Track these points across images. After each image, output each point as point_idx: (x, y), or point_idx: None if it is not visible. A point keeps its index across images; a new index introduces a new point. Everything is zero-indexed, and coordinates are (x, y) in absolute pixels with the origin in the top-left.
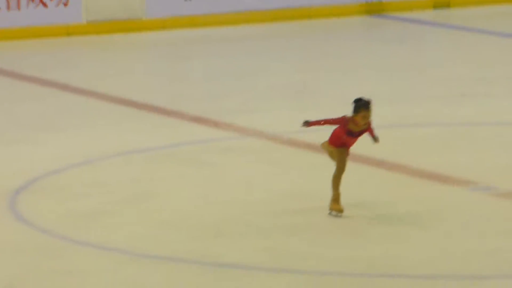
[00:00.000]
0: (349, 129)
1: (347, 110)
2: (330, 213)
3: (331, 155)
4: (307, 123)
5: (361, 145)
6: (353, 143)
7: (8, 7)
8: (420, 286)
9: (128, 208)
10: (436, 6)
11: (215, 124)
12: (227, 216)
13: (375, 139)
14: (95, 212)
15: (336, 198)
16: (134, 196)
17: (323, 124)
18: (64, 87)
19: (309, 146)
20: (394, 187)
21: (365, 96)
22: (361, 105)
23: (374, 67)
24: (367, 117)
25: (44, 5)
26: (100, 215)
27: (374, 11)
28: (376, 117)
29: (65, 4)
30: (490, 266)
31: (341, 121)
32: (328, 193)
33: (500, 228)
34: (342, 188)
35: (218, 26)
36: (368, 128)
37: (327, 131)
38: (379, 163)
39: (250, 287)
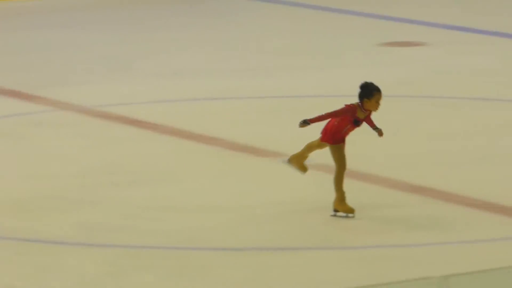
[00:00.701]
0: (357, 117)
1: (166, 83)
2: (335, 215)
3: (301, 168)
4: (307, 122)
5: (176, 118)
6: (347, 134)
7: None
8: (234, 259)
9: None
10: None
11: (28, 98)
12: (39, 191)
13: (377, 130)
14: None
15: (342, 198)
16: None
17: (327, 117)
18: None
19: (121, 119)
20: (207, 160)
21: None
22: (374, 89)
23: (193, 40)
24: (379, 101)
25: None
26: None
27: None
28: (193, 90)
29: None
30: (299, 237)
31: (348, 110)
32: (141, 166)
33: (308, 200)
34: (160, 163)
35: None
36: (369, 115)
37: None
38: (191, 136)
39: (61, 262)
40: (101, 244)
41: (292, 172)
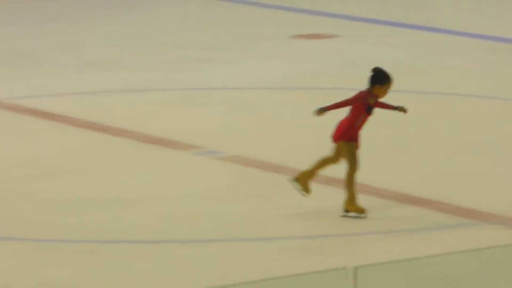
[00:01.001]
0: (369, 103)
1: (78, 76)
2: (345, 215)
3: (306, 189)
4: (323, 110)
5: (88, 110)
6: (361, 128)
7: None
8: (148, 251)
9: None
10: None
11: None
12: None
13: (399, 108)
14: None
15: (352, 199)
16: None
17: (344, 105)
18: None
19: (32, 112)
20: (120, 152)
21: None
22: (388, 76)
23: (105, 32)
24: (388, 89)
25: None
26: None
27: None
28: (105, 82)
29: None
30: (213, 229)
31: (361, 97)
32: (53, 159)
33: (222, 192)
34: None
35: None
36: (377, 100)
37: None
38: (104, 128)
39: None
40: (13, 238)
41: (206, 163)
